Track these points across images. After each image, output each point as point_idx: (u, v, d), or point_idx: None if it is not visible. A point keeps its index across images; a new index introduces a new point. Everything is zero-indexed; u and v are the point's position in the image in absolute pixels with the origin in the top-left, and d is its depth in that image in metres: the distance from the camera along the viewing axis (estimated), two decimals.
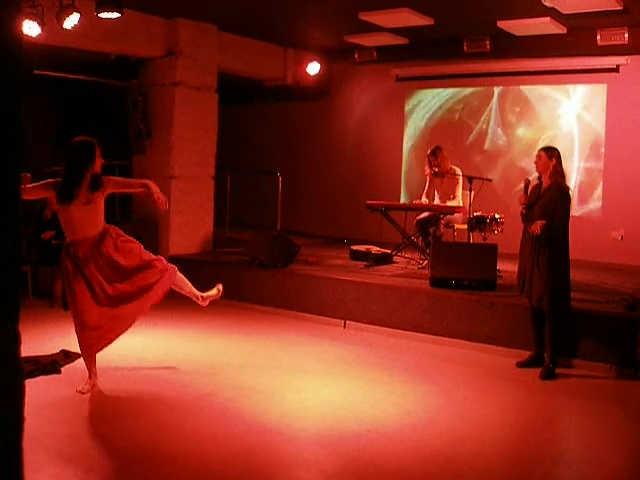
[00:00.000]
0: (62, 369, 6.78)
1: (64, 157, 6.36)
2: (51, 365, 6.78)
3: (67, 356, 7.16)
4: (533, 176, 7.49)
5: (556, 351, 6.96)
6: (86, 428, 5.43)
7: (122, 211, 11.14)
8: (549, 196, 6.88)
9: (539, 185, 7.08)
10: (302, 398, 6.18)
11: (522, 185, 7.32)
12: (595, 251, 10.99)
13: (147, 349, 7.73)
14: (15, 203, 1.65)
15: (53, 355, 7.18)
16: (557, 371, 6.95)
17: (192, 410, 5.82)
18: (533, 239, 6.89)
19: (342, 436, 5.29)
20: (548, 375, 6.87)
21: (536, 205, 6.93)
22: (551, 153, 7.00)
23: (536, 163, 7.10)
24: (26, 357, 6.96)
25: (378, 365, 7.33)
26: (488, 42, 10.94)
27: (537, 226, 6.76)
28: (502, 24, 9.94)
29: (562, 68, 11.40)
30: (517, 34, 10.41)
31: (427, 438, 5.31)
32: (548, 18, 9.51)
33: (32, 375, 6.50)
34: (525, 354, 7.34)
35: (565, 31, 10.10)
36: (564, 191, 6.93)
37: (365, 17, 9.95)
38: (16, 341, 1.74)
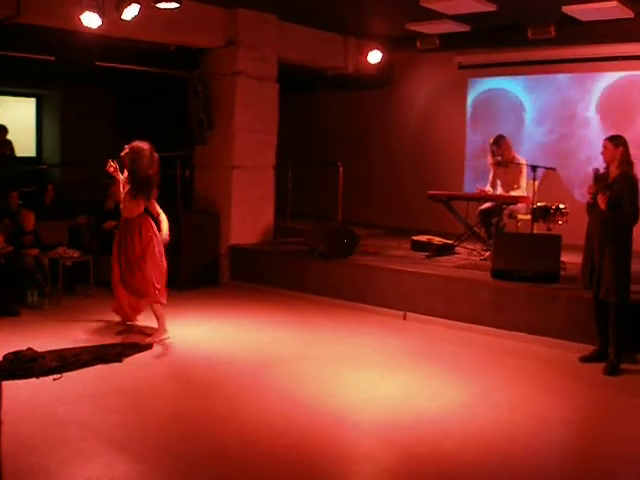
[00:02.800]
0: (125, 360, 6.83)
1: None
2: (114, 355, 6.84)
3: (135, 347, 7.22)
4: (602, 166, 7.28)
5: (620, 346, 6.77)
6: (139, 418, 5.45)
7: (184, 202, 11.21)
8: (617, 187, 6.68)
9: (607, 175, 6.87)
10: (359, 390, 6.14)
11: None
12: None
13: (205, 339, 7.75)
14: None
15: (121, 345, 7.28)
16: (622, 367, 6.76)
17: (248, 400, 5.82)
18: (600, 230, 6.72)
19: (398, 430, 5.23)
20: (612, 371, 6.69)
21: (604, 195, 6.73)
22: (617, 142, 6.80)
23: (602, 153, 6.90)
24: (86, 347, 7.08)
25: (437, 358, 7.24)
26: (553, 28, 10.66)
27: (602, 201, 6.60)
28: (567, 9, 9.67)
29: (630, 54, 11.06)
30: (583, 19, 10.13)
31: (485, 433, 5.21)
32: (615, 2, 9.21)
33: (91, 363, 6.58)
34: (588, 348, 7.16)
35: (633, 15, 9.78)
36: (632, 181, 6.71)
37: (426, 4, 9.78)
38: None
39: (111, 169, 7.69)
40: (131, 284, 7.65)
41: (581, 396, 6.18)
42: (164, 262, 7.69)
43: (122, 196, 7.70)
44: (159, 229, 7.66)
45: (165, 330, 7.63)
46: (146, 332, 7.74)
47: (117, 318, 8.02)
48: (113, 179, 7.92)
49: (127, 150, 7.56)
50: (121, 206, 7.75)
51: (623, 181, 6.68)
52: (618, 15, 9.76)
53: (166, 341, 7.51)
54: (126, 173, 7.67)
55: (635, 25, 10.02)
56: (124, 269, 7.64)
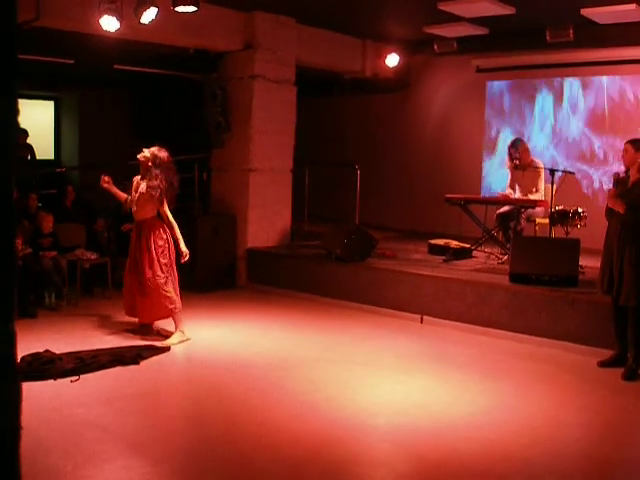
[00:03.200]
0: (142, 362, 6.84)
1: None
2: (132, 357, 6.86)
3: (152, 350, 7.23)
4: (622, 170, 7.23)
5: None
6: (156, 420, 5.46)
7: (201, 205, 11.23)
8: (637, 191, 6.64)
9: (626, 179, 6.83)
10: (376, 394, 6.12)
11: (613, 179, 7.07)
12: None
13: (222, 342, 7.76)
14: (8, 201, 1.60)
15: (139, 347, 7.29)
16: None
17: (264, 404, 5.81)
18: (620, 234, 6.67)
19: (415, 434, 5.20)
20: (631, 376, 6.64)
21: (624, 199, 6.68)
22: (638, 146, 6.76)
23: (623, 157, 6.86)
24: (104, 349, 7.10)
25: (454, 362, 7.20)
26: (571, 31, 10.62)
27: (620, 205, 6.56)
28: (586, 12, 9.63)
29: None
30: (601, 22, 10.09)
31: (503, 438, 5.18)
32: (634, 5, 9.18)
33: (109, 365, 6.60)
34: (607, 353, 7.11)
35: None
36: None
37: (444, 7, 9.77)
38: (10, 343, 1.67)
39: (105, 184, 7.66)
40: (146, 307, 7.72)
41: (600, 401, 6.13)
42: (175, 270, 7.74)
43: (135, 198, 7.66)
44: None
45: (182, 333, 7.64)
46: (164, 334, 7.76)
47: (135, 319, 8.05)
48: (128, 183, 7.92)
49: (149, 155, 7.56)
50: (133, 209, 7.72)
51: None
52: (637, 18, 9.71)
53: (183, 344, 7.53)
54: (138, 178, 7.70)
55: None
56: (135, 280, 7.69)
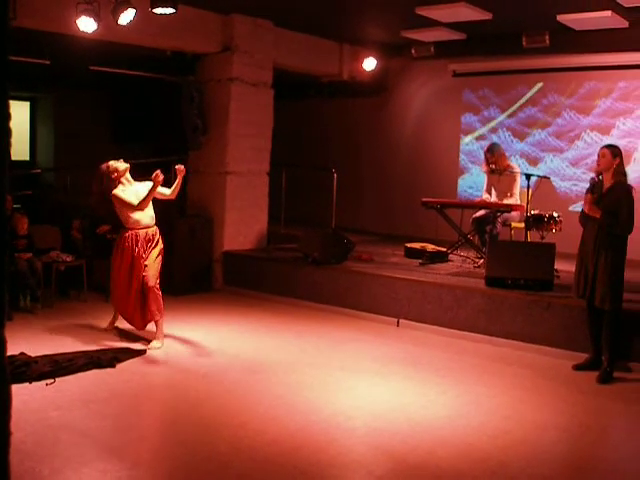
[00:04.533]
0: (118, 365, 6.81)
1: None
2: (108, 360, 6.83)
3: (128, 353, 7.21)
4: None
5: (614, 354, 6.79)
6: (134, 423, 5.44)
7: (178, 207, 11.19)
8: (614, 195, 6.71)
9: (600, 184, 6.89)
10: (353, 397, 6.13)
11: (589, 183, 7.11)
12: None
13: (198, 345, 7.74)
14: (0, 206, 1.59)
15: (115, 350, 7.26)
16: (615, 375, 6.78)
17: (241, 407, 5.81)
18: (596, 239, 6.73)
19: (392, 437, 5.22)
20: (606, 379, 6.71)
21: (599, 204, 6.75)
22: (615, 151, 6.82)
23: (598, 161, 6.91)
24: (80, 352, 7.06)
25: (431, 365, 7.24)
26: (547, 37, 10.72)
27: (595, 211, 6.64)
28: (562, 18, 9.72)
29: (623, 63, 11.10)
30: (577, 28, 10.18)
31: (479, 441, 5.21)
32: (609, 12, 9.27)
33: (85, 368, 6.56)
34: (582, 356, 7.18)
35: (627, 25, 9.84)
36: (629, 190, 6.74)
37: (422, 12, 9.82)
38: (0, 348, 1.67)
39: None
40: (144, 313, 7.72)
41: (575, 404, 6.18)
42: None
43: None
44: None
45: (162, 336, 7.62)
46: (144, 337, 7.73)
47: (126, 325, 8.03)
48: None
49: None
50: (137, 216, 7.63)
51: (620, 190, 6.70)
52: (612, 25, 9.81)
53: (161, 347, 7.50)
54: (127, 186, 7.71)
55: (630, 35, 10.07)
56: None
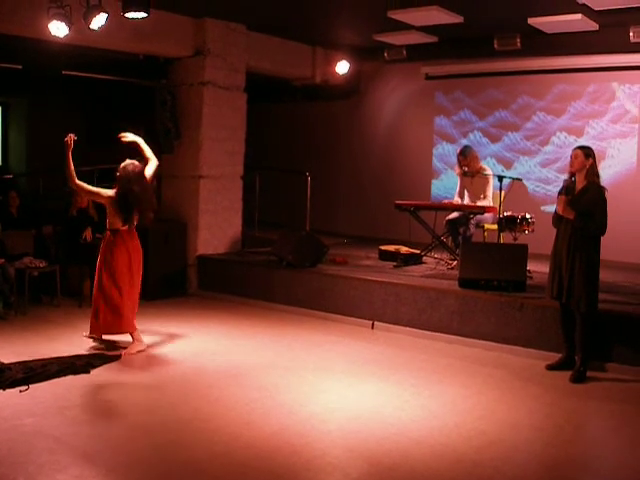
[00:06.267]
0: (93, 370, 6.77)
1: None
2: (83, 366, 6.79)
3: (103, 358, 7.17)
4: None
5: (587, 354, 6.85)
6: (109, 429, 5.41)
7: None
8: (588, 196, 6.75)
9: (573, 185, 6.93)
10: (328, 400, 6.14)
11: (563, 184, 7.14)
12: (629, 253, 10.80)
13: (173, 350, 7.71)
14: None
15: (89, 356, 7.22)
16: (588, 374, 6.84)
17: (217, 411, 5.80)
18: (570, 240, 6.78)
19: (367, 439, 5.24)
20: (579, 378, 6.77)
21: (573, 205, 6.79)
22: (588, 152, 6.86)
23: (571, 162, 6.94)
24: (54, 358, 7.01)
25: (405, 366, 7.26)
26: (519, 40, 10.81)
27: (569, 212, 6.69)
28: (533, 21, 9.79)
29: (594, 66, 11.21)
30: (548, 31, 10.26)
31: (454, 442, 5.24)
32: (580, 15, 9.35)
33: (59, 375, 6.52)
34: (555, 357, 7.24)
35: (597, 28, 9.93)
36: (602, 192, 6.79)
37: (394, 15, 9.84)
38: None
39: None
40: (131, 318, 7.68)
41: (548, 404, 6.22)
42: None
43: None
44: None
45: (140, 342, 7.58)
46: (119, 344, 7.69)
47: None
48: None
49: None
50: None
51: (594, 191, 6.75)
52: (582, 28, 9.90)
53: (136, 352, 7.46)
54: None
55: (600, 37, 10.17)
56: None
